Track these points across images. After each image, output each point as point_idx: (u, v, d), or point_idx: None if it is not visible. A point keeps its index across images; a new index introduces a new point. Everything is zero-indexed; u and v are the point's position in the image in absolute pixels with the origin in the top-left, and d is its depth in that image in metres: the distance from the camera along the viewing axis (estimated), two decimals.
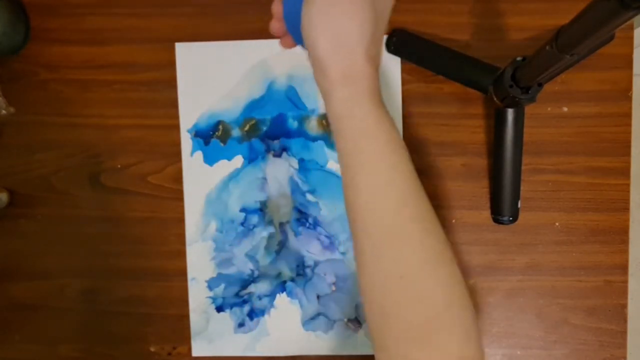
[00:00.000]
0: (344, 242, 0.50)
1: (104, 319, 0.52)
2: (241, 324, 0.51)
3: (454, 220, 0.50)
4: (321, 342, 0.51)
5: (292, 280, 0.51)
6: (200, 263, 0.51)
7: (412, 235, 0.32)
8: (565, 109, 0.49)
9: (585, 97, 0.49)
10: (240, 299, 0.51)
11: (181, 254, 0.51)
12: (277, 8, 0.36)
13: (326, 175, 0.50)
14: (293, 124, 0.50)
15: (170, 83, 0.51)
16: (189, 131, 0.51)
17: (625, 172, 0.49)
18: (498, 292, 0.50)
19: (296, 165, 0.50)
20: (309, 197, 0.50)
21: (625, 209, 0.49)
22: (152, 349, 0.52)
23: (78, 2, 0.51)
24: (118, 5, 0.51)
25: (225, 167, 0.51)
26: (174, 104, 0.51)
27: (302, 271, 0.51)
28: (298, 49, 0.39)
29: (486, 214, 0.50)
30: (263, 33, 0.50)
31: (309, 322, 0.51)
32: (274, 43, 0.50)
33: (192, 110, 0.51)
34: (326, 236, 0.51)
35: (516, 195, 0.47)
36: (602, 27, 0.27)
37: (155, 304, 0.52)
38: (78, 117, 0.52)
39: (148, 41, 0.51)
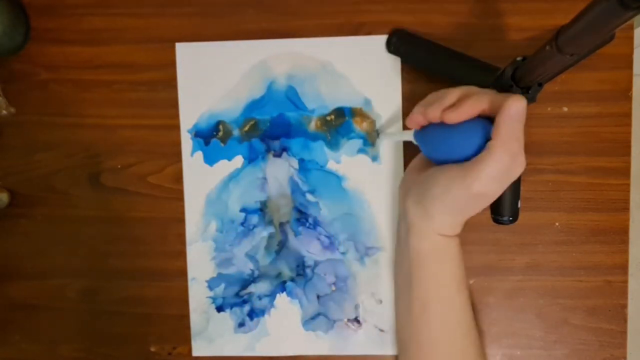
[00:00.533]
0: (344, 242, 0.50)
1: (104, 319, 0.53)
2: (241, 324, 0.51)
3: None
4: (321, 342, 0.51)
5: (292, 280, 0.51)
6: (200, 263, 0.51)
7: (471, 357, 0.40)
8: (565, 109, 0.49)
9: (586, 97, 0.49)
10: (241, 299, 0.51)
11: (181, 254, 0.52)
12: (418, 119, 0.39)
13: (326, 175, 0.50)
14: (293, 124, 0.50)
15: (171, 83, 0.51)
16: (189, 131, 0.51)
17: (625, 172, 0.49)
18: (498, 292, 0.50)
19: (296, 165, 0.50)
20: (309, 197, 0.50)
21: (626, 209, 0.49)
22: (152, 349, 0.52)
23: (78, 2, 0.51)
24: (118, 5, 0.51)
25: (226, 167, 0.51)
26: (174, 104, 0.51)
27: (302, 271, 0.51)
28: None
29: (486, 214, 0.50)
30: (263, 33, 0.50)
31: (309, 322, 0.51)
32: (274, 43, 0.50)
33: (192, 110, 0.51)
34: (326, 236, 0.51)
35: (516, 195, 0.47)
36: (602, 27, 0.27)
37: (155, 304, 0.52)
38: (78, 117, 0.52)
39: (148, 41, 0.51)
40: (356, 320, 0.51)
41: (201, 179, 0.51)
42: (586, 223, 0.49)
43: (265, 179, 0.51)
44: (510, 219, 0.48)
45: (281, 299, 0.51)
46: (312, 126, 0.50)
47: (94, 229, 0.52)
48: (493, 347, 0.50)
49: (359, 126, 0.50)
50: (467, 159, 0.35)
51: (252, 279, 0.51)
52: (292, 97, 0.50)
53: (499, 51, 0.49)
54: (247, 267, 0.51)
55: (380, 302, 0.51)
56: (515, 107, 0.33)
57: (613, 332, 0.49)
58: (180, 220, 0.51)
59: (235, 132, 0.51)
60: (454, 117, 0.35)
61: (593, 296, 0.50)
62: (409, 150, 0.50)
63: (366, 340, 0.51)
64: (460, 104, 0.35)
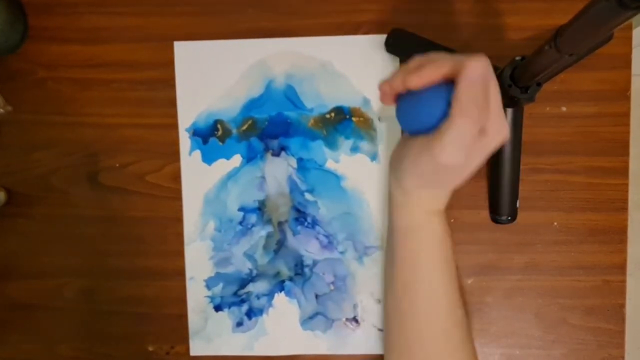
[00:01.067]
0: (343, 242, 0.50)
1: (102, 318, 0.52)
2: (239, 324, 0.51)
3: (452, 220, 0.50)
4: (319, 341, 0.51)
5: (291, 279, 0.51)
6: (198, 262, 0.51)
7: (456, 342, 0.38)
8: (564, 109, 0.49)
9: (584, 97, 0.49)
10: (239, 299, 0.51)
11: (179, 253, 0.51)
12: (385, 88, 0.36)
13: (325, 174, 0.50)
14: (292, 123, 0.50)
15: (169, 82, 0.51)
16: (187, 130, 0.51)
17: (623, 171, 0.49)
18: (496, 292, 0.50)
19: (295, 165, 0.50)
20: (308, 196, 0.50)
21: (624, 208, 0.49)
22: (150, 349, 0.52)
23: (77, 0, 0.51)
24: (116, 3, 0.51)
25: (224, 166, 0.51)
26: (172, 102, 0.51)
27: (300, 270, 0.51)
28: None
29: (485, 213, 0.50)
30: (262, 32, 0.50)
31: (307, 321, 0.51)
32: (273, 42, 0.50)
33: (190, 109, 0.51)
34: (325, 235, 0.51)
35: (515, 195, 0.47)
36: (600, 27, 0.27)
37: (154, 303, 0.52)
38: (76, 116, 0.51)
39: (146, 40, 0.51)
40: (355, 319, 0.51)
41: (199, 178, 0.51)
42: (585, 223, 0.50)
43: (263, 178, 0.51)
44: (509, 218, 0.48)
45: (279, 298, 0.51)
46: (311, 125, 0.50)
47: (92, 228, 0.52)
48: (491, 346, 0.50)
49: (358, 125, 0.50)
50: (434, 127, 0.33)
51: (250, 279, 0.51)
52: (290, 96, 0.50)
53: (498, 51, 0.48)
54: (245, 267, 0.51)
55: (379, 301, 0.51)
56: (472, 68, 0.30)
57: (611, 332, 0.50)
58: (179, 220, 0.51)
59: (234, 131, 0.51)
60: (415, 81, 0.33)
61: (591, 296, 0.50)
62: None
63: (364, 339, 0.51)
64: (421, 68, 0.33)
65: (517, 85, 0.40)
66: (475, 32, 0.49)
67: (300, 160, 0.50)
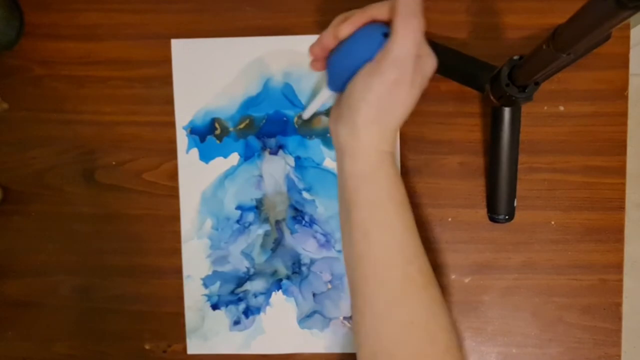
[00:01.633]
0: (340, 240, 0.50)
1: (99, 316, 0.52)
2: (237, 322, 0.51)
3: (450, 219, 0.50)
4: (317, 340, 0.51)
5: (288, 278, 0.51)
6: (195, 261, 0.51)
7: (419, 286, 0.36)
8: (562, 108, 0.49)
9: (582, 96, 0.49)
10: (236, 297, 0.51)
11: (176, 251, 0.51)
12: (316, 50, 0.38)
13: (322, 173, 0.50)
14: (289, 121, 0.50)
15: (166, 80, 0.50)
16: (184, 128, 0.51)
17: (620, 171, 0.49)
18: (493, 291, 0.50)
19: (292, 163, 0.50)
20: (305, 195, 0.50)
21: (621, 208, 0.49)
22: (147, 347, 0.52)
23: None
24: (113, 1, 0.51)
25: (221, 164, 0.51)
26: (169, 100, 0.51)
27: (297, 269, 0.51)
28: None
29: (482, 212, 0.50)
30: (259, 30, 0.50)
31: (304, 320, 0.51)
32: (271, 40, 0.50)
33: (187, 107, 0.51)
34: (322, 234, 0.50)
35: (512, 194, 0.47)
36: (598, 27, 0.27)
37: (150, 301, 0.52)
38: (72, 114, 0.51)
39: (143, 37, 0.50)
40: (352, 318, 0.51)
41: (197, 176, 0.51)
42: (582, 222, 0.50)
43: (261, 176, 0.51)
44: (506, 217, 0.48)
45: (277, 297, 0.51)
46: (309, 124, 0.50)
47: (89, 226, 0.52)
48: (488, 345, 0.50)
49: None
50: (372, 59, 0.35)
51: (247, 277, 0.51)
52: (288, 94, 0.50)
53: (496, 50, 0.48)
54: (242, 265, 0.51)
55: None
56: None
57: (608, 331, 0.50)
58: (176, 218, 0.51)
59: (231, 129, 0.51)
60: (347, 28, 0.35)
61: (588, 295, 0.50)
62: (408, 151, 0.50)
63: None
64: (348, 17, 0.36)
65: (514, 85, 0.40)
66: (473, 31, 0.49)
67: (297, 159, 0.50)
